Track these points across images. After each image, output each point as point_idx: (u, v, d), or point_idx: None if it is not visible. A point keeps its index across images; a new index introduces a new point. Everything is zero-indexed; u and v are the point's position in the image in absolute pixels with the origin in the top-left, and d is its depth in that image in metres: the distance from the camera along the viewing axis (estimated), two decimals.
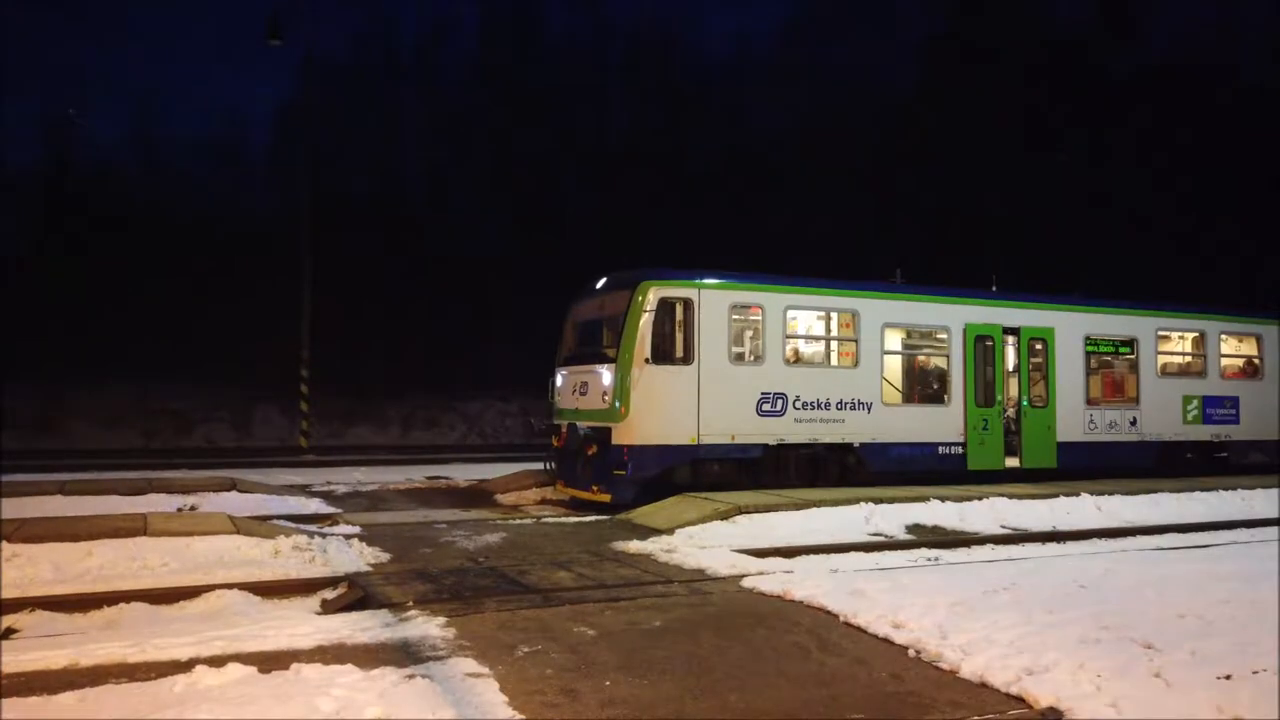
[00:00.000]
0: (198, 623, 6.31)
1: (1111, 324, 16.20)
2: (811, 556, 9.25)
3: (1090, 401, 15.82)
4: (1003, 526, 11.14)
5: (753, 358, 13.29)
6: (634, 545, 9.43)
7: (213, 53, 69.87)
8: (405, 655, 5.42)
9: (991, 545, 10.27)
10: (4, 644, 5.52)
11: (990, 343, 15.00)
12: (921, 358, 15.12)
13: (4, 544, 7.78)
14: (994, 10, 39.89)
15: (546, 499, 14.13)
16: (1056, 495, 12.45)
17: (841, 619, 6.30)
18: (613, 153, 39.91)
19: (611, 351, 12.68)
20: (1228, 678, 4.89)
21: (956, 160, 36.07)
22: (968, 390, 14.70)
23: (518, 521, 11.66)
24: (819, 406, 13.43)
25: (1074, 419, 15.54)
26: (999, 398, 14.95)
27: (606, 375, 12.60)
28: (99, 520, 8.87)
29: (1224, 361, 17.39)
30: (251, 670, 4.92)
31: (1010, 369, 15.45)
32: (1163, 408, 16.40)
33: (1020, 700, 4.74)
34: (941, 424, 14.48)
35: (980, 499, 11.85)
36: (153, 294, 31.22)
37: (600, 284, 13.82)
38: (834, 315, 14.21)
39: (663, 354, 12.49)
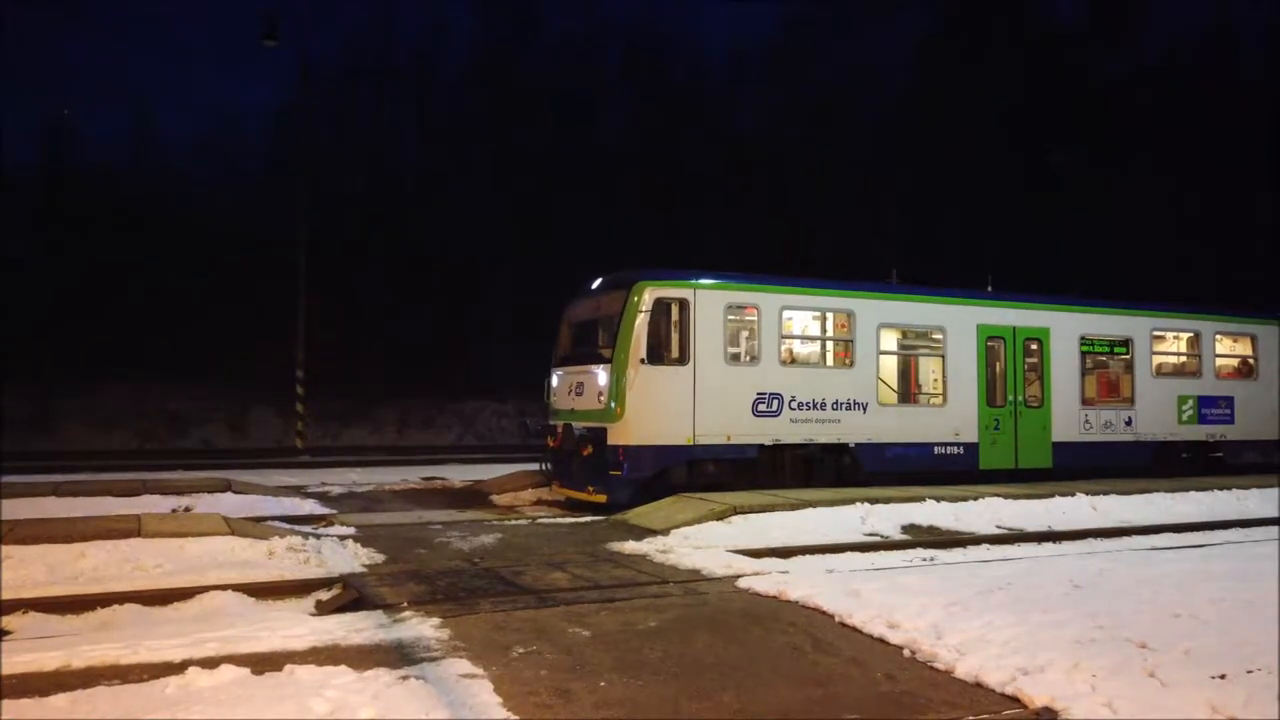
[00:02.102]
0: (191, 624, 6.29)
1: (1106, 324, 16.23)
2: (807, 557, 9.25)
3: (1085, 402, 15.84)
4: (998, 526, 11.14)
5: (748, 358, 13.29)
6: (629, 546, 9.42)
7: (210, 54, 69.86)
8: (400, 656, 5.41)
9: (987, 545, 10.27)
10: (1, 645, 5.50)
11: (999, 342, 15.06)
12: (918, 358, 15.13)
13: (1, 546, 7.75)
14: (992, 11, 39.97)
15: (542, 500, 14.11)
16: (1052, 495, 12.45)
17: (837, 619, 6.29)
18: (610, 153, 39.91)
19: (607, 352, 12.67)
20: (1222, 677, 4.89)
21: (953, 160, 36.12)
22: (980, 390, 14.76)
23: (513, 522, 11.64)
24: (814, 407, 13.43)
25: (1069, 419, 15.56)
26: (1010, 398, 15.00)
27: (602, 376, 12.59)
28: (93, 521, 8.84)
29: (1219, 361, 17.43)
30: (245, 672, 4.90)
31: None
32: (1158, 408, 16.42)
33: (1015, 700, 4.74)
34: (939, 424, 14.50)
35: (976, 499, 11.85)
36: (149, 295, 31.18)
37: (596, 284, 13.81)
38: (830, 315, 14.22)
39: (658, 354, 12.47)
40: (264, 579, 7.59)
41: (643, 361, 12.33)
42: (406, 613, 6.50)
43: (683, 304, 12.68)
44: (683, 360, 12.61)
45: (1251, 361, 17.77)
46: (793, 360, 13.80)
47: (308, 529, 10.16)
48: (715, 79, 44.22)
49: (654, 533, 10.10)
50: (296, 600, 7.37)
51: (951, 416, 14.59)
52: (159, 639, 5.56)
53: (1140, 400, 16.25)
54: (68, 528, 8.46)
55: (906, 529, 10.70)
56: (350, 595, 7.30)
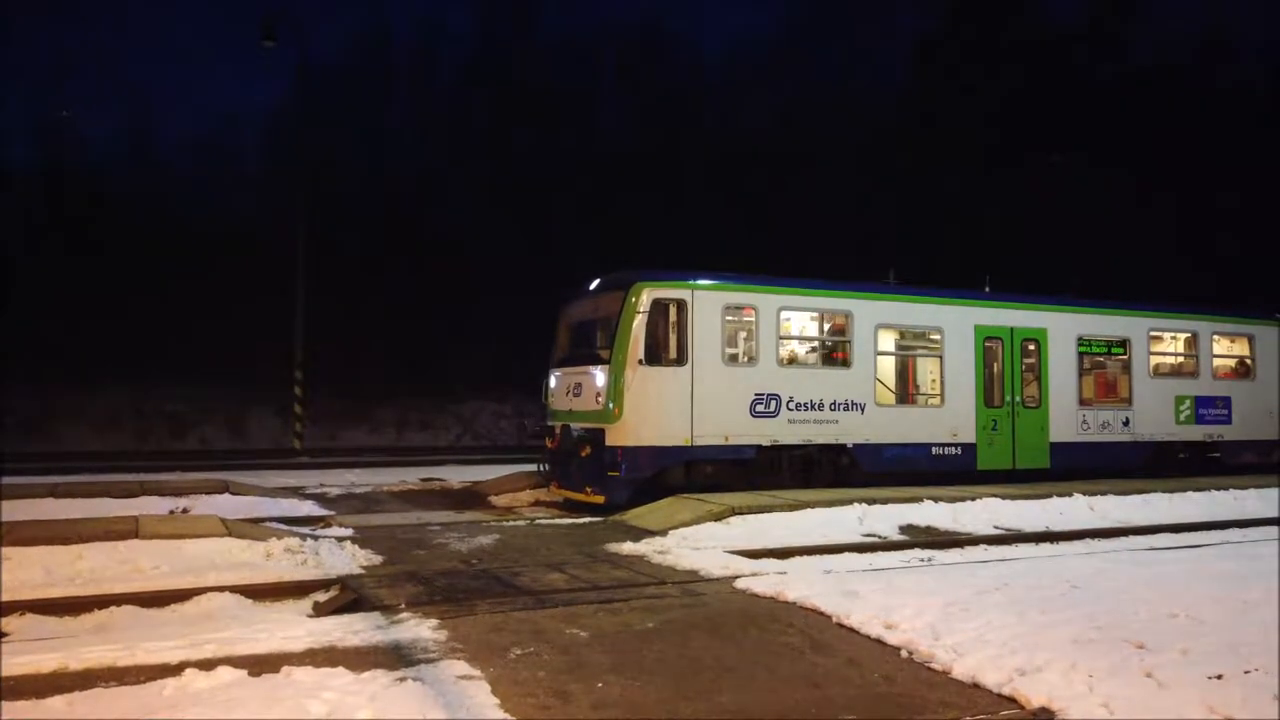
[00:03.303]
0: (188, 625, 6.29)
1: (1104, 324, 16.24)
2: (805, 557, 9.26)
3: (1083, 402, 15.85)
4: (996, 527, 11.16)
5: (746, 359, 13.30)
6: (627, 547, 9.43)
7: (208, 54, 69.71)
8: (397, 658, 5.40)
9: (985, 545, 10.28)
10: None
11: (997, 343, 15.08)
12: (916, 358, 15.14)
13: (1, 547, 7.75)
14: (991, 11, 39.97)
15: (540, 501, 14.11)
16: (1049, 495, 12.46)
17: (834, 620, 6.30)
18: (609, 153, 39.89)
19: (605, 353, 12.67)
20: (1219, 677, 4.90)
21: (951, 161, 36.13)
22: (977, 390, 14.77)
23: (511, 523, 11.64)
24: (812, 407, 13.43)
25: (1067, 419, 15.58)
26: (1007, 398, 15.01)
27: (600, 377, 12.59)
28: (90, 523, 8.83)
29: (1216, 362, 17.45)
30: (242, 673, 4.91)
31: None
32: (1155, 408, 16.44)
33: (1012, 701, 4.75)
34: (937, 425, 14.50)
35: (973, 500, 11.86)
36: (147, 295, 31.14)
37: (594, 285, 13.81)
38: (827, 316, 14.22)
39: (656, 355, 12.48)
40: (262, 580, 7.60)
41: (641, 362, 12.34)
42: (404, 614, 6.49)
43: (680, 305, 12.68)
44: (681, 361, 12.62)
45: (1249, 362, 17.78)
46: (791, 361, 13.80)
47: (305, 530, 10.16)
48: (715, 79, 44.23)
49: (652, 534, 10.11)
50: (294, 602, 7.38)
51: (949, 417, 14.60)
52: (156, 640, 5.56)
53: (1138, 400, 16.26)
54: (66, 529, 8.45)
55: (904, 529, 10.71)
56: (348, 596, 7.31)
